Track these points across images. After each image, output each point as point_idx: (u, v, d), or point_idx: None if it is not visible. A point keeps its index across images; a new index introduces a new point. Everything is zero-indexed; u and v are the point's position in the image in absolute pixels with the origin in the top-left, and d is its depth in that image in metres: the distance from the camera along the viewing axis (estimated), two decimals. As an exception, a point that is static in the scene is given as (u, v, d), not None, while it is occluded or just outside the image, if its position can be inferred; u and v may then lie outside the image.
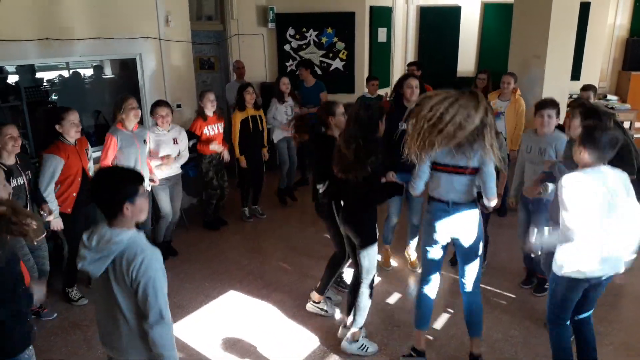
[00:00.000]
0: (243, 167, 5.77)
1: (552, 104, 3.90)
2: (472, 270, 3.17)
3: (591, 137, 2.69)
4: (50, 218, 3.77)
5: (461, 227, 3.08)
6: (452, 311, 3.99)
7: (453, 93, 2.82)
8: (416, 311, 3.35)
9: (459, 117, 2.75)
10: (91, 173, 4.17)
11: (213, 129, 5.41)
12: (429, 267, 3.26)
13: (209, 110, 5.37)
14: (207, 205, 5.70)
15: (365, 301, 3.41)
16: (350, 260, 3.68)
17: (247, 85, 5.75)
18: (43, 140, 3.91)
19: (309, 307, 3.99)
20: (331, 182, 3.48)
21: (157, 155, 4.70)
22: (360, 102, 3.27)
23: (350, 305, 3.53)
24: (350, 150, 3.11)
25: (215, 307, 4.17)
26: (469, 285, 3.20)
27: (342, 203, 3.43)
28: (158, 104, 4.77)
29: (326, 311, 3.95)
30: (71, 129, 3.85)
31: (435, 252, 3.20)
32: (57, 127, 3.83)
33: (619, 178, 2.73)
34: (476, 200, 3.08)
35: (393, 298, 4.25)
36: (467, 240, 3.10)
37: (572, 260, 2.77)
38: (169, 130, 4.79)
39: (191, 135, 5.24)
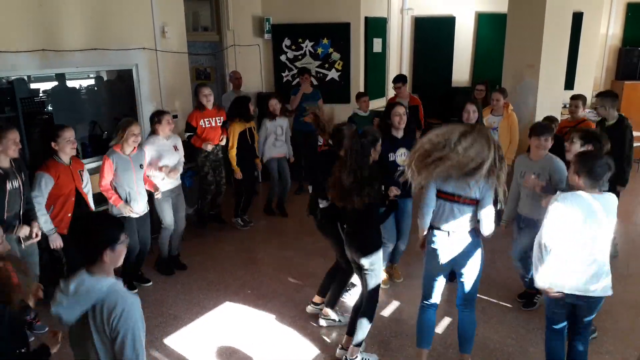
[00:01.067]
0: (239, 179, 5.78)
1: (548, 129, 3.94)
2: (470, 290, 3.21)
3: (585, 166, 2.80)
4: (33, 241, 3.75)
5: (462, 255, 3.12)
6: (449, 319, 3.99)
7: (464, 125, 2.94)
8: (418, 332, 3.35)
9: (473, 150, 2.84)
10: (89, 196, 4.18)
11: (210, 122, 5.41)
12: (430, 291, 3.28)
13: (207, 104, 5.41)
14: (202, 199, 5.67)
15: (369, 318, 3.42)
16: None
17: (249, 99, 5.87)
18: (39, 158, 3.93)
19: (322, 322, 3.98)
20: (333, 203, 3.48)
21: (158, 164, 4.69)
22: (355, 131, 3.30)
23: (352, 326, 3.52)
24: (349, 181, 3.14)
25: (211, 318, 4.15)
26: (465, 302, 3.26)
27: (345, 226, 3.46)
28: (162, 112, 4.79)
29: (340, 321, 3.95)
30: (67, 146, 3.87)
31: (437, 279, 3.24)
32: (52, 144, 3.84)
33: (605, 206, 2.81)
34: (477, 229, 3.11)
35: (387, 310, 4.24)
36: (468, 267, 3.14)
37: (547, 274, 2.89)
38: (168, 139, 4.80)
39: (188, 127, 5.24)
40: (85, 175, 4.19)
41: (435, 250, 3.16)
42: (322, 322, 3.98)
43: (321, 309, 4.03)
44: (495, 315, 4.10)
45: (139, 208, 4.40)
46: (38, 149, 4.04)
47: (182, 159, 4.99)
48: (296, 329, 3.96)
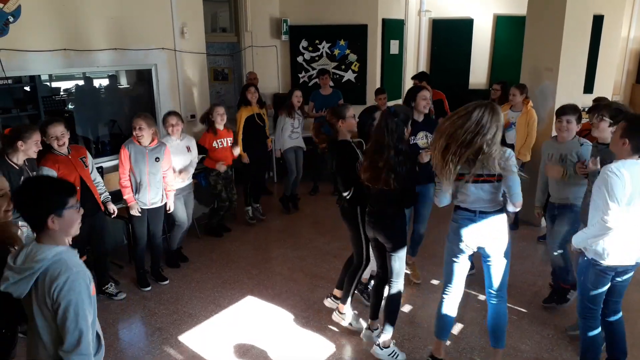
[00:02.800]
0: (246, 163, 5.88)
1: (572, 109, 3.87)
2: (499, 279, 3.11)
3: (637, 127, 2.71)
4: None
5: (489, 235, 3.01)
6: (462, 325, 3.97)
7: (469, 107, 2.83)
8: (437, 321, 3.31)
9: (490, 130, 2.77)
10: (95, 183, 4.25)
11: (222, 143, 5.48)
12: (452, 277, 3.19)
13: (219, 124, 5.43)
14: (215, 214, 5.79)
15: (395, 304, 3.41)
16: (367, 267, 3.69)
17: (248, 86, 6.05)
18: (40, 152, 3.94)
19: (335, 317, 3.96)
20: (355, 187, 3.47)
21: (170, 164, 4.76)
22: (387, 110, 3.24)
23: (375, 308, 3.51)
24: (382, 160, 3.11)
25: (226, 316, 4.19)
26: (496, 294, 3.15)
27: (367, 209, 3.43)
28: (168, 114, 4.90)
29: (351, 325, 3.92)
30: (53, 143, 3.91)
31: (460, 262, 3.14)
32: (44, 139, 3.87)
33: None
34: (503, 208, 3.02)
35: (402, 312, 4.22)
36: (494, 249, 3.04)
37: (608, 250, 2.82)
38: (181, 140, 4.91)
39: (200, 149, 5.31)
40: (90, 162, 4.24)
41: (459, 228, 3.04)
42: (335, 318, 3.96)
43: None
44: (509, 320, 4.04)
45: (148, 199, 4.46)
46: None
47: (195, 160, 5.07)
48: (310, 328, 3.98)
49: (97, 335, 2.06)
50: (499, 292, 3.15)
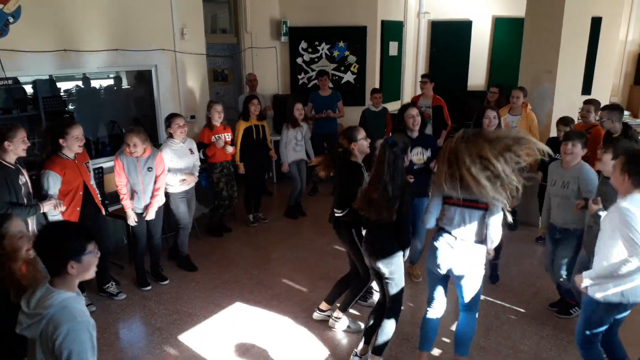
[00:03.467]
0: (242, 174, 5.90)
1: (577, 135, 3.80)
2: (470, 296, 3.16)
3: (635, 162, 2.67)
4: None
5: (463, 263, 3.07)
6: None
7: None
8: (420, 332, 3.37)
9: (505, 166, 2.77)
10: (97, 191, 4.27)
11: (219, 138, 5.49)
12: (432, 292, 3.29)
13: (216, 121, 5.48)
14: (215, 213, 5.80)
15: (390, 328, 3.38)
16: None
17: (253, 97, 5.95)
18: (46, 155, 3.97)
19: (332, 323, 3.98)
20: (352, 210, 3.45)
21: (177, 167, 4.79)
22: (385, 141, 3.22)
23: (371, 332, 3.50)
24: (379, 193, 3.09)
25: (226, 316, 4.20)
26: (466, 307, 3.22)
27: (364, 236, 3.45)
28: (175, 115, 4.88)
29: (349, 327, 3.95)
30: (74, 144, 3.93)
31: (438, 278, 3.23)
32: (60, 140, 3.88)
33: None
34: (484, 240, 3.06)
35: (406, 307, 4.22)
36: (466, 277, 3.09)
37: (628, 287, 2.74)
38: (184, 142, 4.90)
39: (200, 145, 5.35)
40: (90, 167, 4.27)
41: (436, 248, 3.11)
42: (333, 325, 3.98)
43: (328, 316, 4.02)
44: (508, 321, 4.08)
45: (140, 204, 4.49)
46: (44, 145, 4.04)
47: (198, 162, 5.08)
48: (309, 329, 3.99)
49: None
50: (469, 305, 3.21)
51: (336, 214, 3.65)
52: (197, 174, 5.03)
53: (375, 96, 6.79)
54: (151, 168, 4.45)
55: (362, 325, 3.87)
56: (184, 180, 4.83)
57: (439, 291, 3.27)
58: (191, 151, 4.97)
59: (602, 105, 5.30)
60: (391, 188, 3.07)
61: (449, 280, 3.26)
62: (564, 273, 3.90)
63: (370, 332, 3.50)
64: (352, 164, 3.68)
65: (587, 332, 2.98)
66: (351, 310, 4.03)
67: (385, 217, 3.12)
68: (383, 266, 3.28)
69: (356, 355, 3.53)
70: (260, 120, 5.97)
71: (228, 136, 5.61)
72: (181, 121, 4.81)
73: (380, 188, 3.08)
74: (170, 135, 4.84)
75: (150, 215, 4.53)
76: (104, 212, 4.37)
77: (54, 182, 3.84)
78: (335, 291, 4.04)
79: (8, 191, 3.52)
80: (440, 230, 3.15)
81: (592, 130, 5.08)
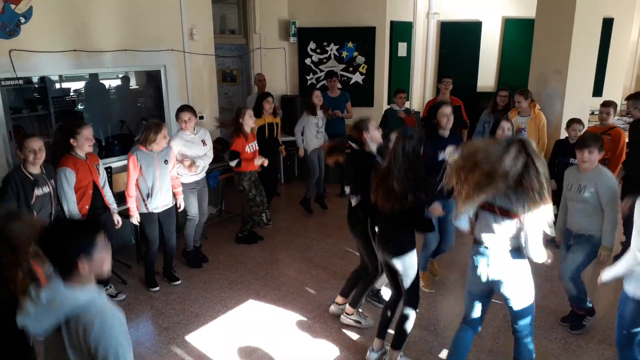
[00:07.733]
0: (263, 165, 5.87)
1: (592, 139, 3.62)
2: (517, 316, 2.94)
3: None
4: None
5: (502, 275, 2.83)
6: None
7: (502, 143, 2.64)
8: (452, 350, 3.16)
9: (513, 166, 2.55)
10: (105, 190, 4.31)
11: (251, 147, 5.38)
12: (469, 309, 3.08)
13: (248, 127, 5.30)
14: (249, 221, 5.63)
15: (409, 324, 3.33)
16: (383, 275, 3.67)
17: (267, 95, 5.98)
18: (58, 155, 4.04)
19: (343, 319, 3.98)
20: (366, 200, 3.44)
21: (187, 156, 4.84)
22: (402, 134, 3.17)
23: (384, 327, 3.48)
24: (399, 185, 3.04)
25: (232, 316, 4.21)
26: (517, 329, 2.99)
27: (377, 232, 3.44)
28: (182, 109, 4.89)
29: (360, 323, 3.95)
30: (85, 143, 4.01)
31: (474, 296, 3.03)
32: (71, 140, 3.98)
33: None
34: (523, 253, 2.79)
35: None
36: (510, 293, 2.86)
37: None
38: (196, 133, 4.95)
39: (233, 155, 5.27)
40: (102, 170, 4.32)
41: (476, 266, 2.91)
42: (344, 320, 3.97)
43: (344, 309, 4.04)
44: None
45: (160, 202, 4.48)
46: (56, 145, 4.14)
47: (210, 153, 5.08)
48: (316, 329, 3.98)
49: None
50: (519, 329, 2.98)
51: (353, 202, 3.69)
52: (206, 163, 5.02)
53: (400, 96, 6.82)
54: (167, 161, 4.49)
55: (372, 322, 3.88)
56: (190, 165, 4.81)
57: (476, 309, 3.05)
58: (204, 142, 4.99)
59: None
60: (412, 178, 3.04)
61: (490, 299, 3.08)
62: (568, 276, 3.78)
63: (384, 327, 3.49)
64: (366, 153, 3.67)
65: (624, 331, 2.88)
66: (362, 312, 4.01)
67: (396, 207, 3.10)
68: (397, 261, 3.25)
69: (372, 350, 3.51)
70: (274, 118, 6.02)
71: (255, 145, 5.45)
72: (185, 116, 4.80)
73: (401, 179, 3.06)
74: (182, 127, 4.89)
75: (181, 203, 4.70)
76: (112, 212, 4.38)
77: (68, 177, 3.94)
78: (350, 283, 4.05)
79: (18, 203, 3.56)
80: (474, 243, 2.98)
81: (612, 132, 4.99)
